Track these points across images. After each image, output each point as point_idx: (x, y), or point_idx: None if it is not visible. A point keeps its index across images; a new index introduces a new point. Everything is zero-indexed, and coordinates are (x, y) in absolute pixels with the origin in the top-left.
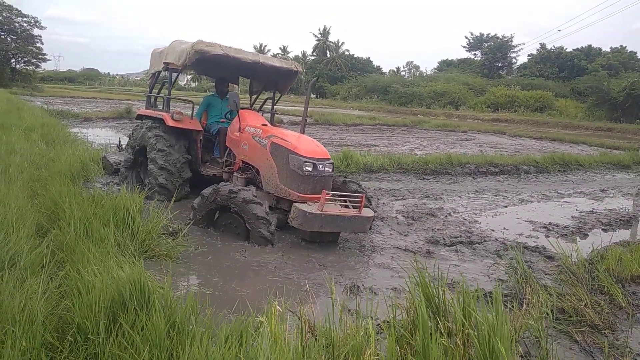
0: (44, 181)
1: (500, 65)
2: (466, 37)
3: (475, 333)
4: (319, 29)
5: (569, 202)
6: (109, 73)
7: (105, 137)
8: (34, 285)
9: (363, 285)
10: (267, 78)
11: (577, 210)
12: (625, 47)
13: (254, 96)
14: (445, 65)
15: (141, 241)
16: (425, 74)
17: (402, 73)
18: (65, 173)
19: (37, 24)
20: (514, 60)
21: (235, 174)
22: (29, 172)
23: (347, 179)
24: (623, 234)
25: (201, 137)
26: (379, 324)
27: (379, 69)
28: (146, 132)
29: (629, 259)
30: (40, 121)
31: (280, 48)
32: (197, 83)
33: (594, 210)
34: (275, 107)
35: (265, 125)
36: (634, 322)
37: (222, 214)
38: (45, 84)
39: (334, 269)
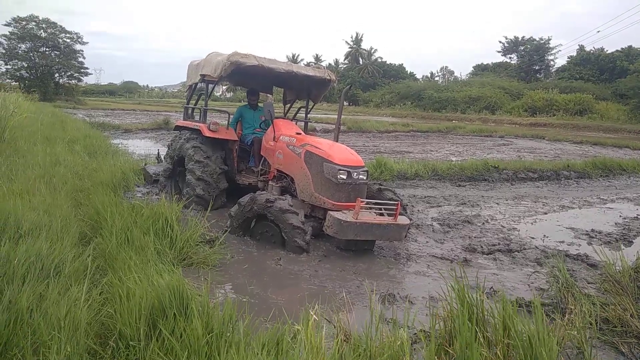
0: (87, 191)
1: (537, 68)
2: (500, 42)
3: (517, 343)
4: (351, 37)
5: (612, 208)
6: (147, 85)
7: (145, 147)
8: (77, 293)
9: (399, 294)
10: (300, 87)
11: (620, 216)
12: None
13: (288, 105)
14: (480, 69)
15: (179, 249)
16: (459, 79)
17: (436, 79)
18: (107, 183)
19: (79, 39)
20: (551, 62)
21: (270, 182)
22: (72, 182)
23: (382, 187)
24: None
25: (237, 147)
26: (415, 334)
27: (412, 75)
28: (184, 143)
29: None
30: (83, 133)
31: (313, 57)
32: (232, 93)
33: (639, 217)
34: (308, 115)
35: (300, 134)
36: None
37: (259, 223)
38: (87, 97)
39: (369, 277)
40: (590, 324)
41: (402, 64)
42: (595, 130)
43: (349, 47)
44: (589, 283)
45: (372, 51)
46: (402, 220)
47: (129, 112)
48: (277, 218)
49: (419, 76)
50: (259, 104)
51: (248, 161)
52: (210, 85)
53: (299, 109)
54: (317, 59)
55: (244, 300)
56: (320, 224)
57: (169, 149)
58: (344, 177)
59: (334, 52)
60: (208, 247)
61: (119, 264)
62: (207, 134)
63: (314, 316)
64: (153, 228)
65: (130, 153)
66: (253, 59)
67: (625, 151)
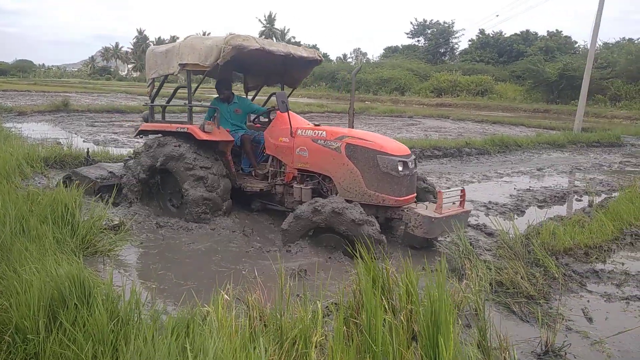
0: None
1: (443, 51)
2: (411, 23)
3: (419, 309)
4: (265, 15)
5: (507, 182)
6: (43, 64)
7: (42, 131)
8: None
9: (310, 269)
10: (282, 71)
11: (515, 188)
12: (561, 31)
13: (253, 92)
14: (390, 51)
15: (82, 237)
16: (371, 61)
17: (349, 60)
18: None
19: None
20: (455, 46)
21: (295, 185)
22: None
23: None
24: (557, 210)
25: (230, 149)
26: (327, 307)
27: (326, 56)
28: (170, 152)
29: (562, 233)
30: None
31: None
32: (139, 73)
33: (531, 188)
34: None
35: (318, 125)
36: (565, 291)
37: (319, 234)
38: None
39: (281, 257)
40: (485, 287)
41: (316, 45)
42: (495, 110)
43: (263, 27)
44: (486, 250)
45: (286, 31)
46: (467, 207)
47: (22, 93)
48: (349, 230)
49: (332, 57)
50: (250, 95)
51: (240, 164)
52: (196, 76)
53: (271, 95)
54: None
55: (153, 286)
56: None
57: (133, 157)
58: (401, 168)
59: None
60: (113, 234)
61: (14, 255)
62: (204, 137)
63: (226, 296)
64: (52, 216)
65: (24, 137)
66: (254, 41)
67: (520, 129)
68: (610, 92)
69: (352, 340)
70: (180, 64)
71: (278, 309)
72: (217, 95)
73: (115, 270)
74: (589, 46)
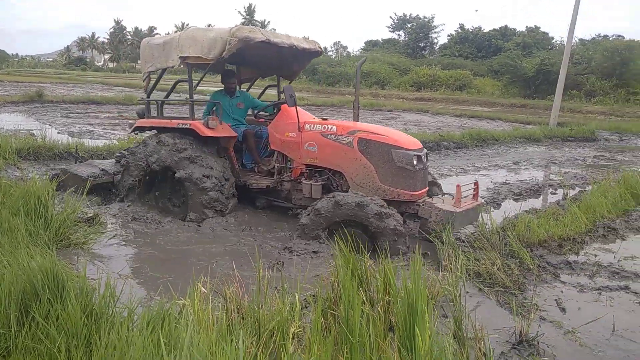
0: None
1: (422, 45)
2: (391, 17)
3: (396, 300)
4: (244, 7)
5: (485, 175)
6: (17, 54)
7: (15, 122)
8: None
9: (288, 261)
10: (282, 64)
11: (491, 182)
12: (539, 27)
13: (247, 85)
14: (371, 45)
15: (55, 230)
16: (352, 54)
17: (330, 53)
18: None
19: None
20: (435, 40)
21: (304, 181)
22: None
23: None
24: (533, 203)
25: (232, 144)
26: (305, 299)
27: None
28: (172, 151)
29: (536, 226)
30: None
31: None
32: (115, 63)
33: (507, 182)
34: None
35: (326, 119)
36: (539, 282)
37: (337, 229)
38: None
39: (259, 249)
40: (462, 277)
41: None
42: (473, 104)
43: (242, 18)
44: (464, 242)
45: (266, 23)
46: (479, 200)
47: None
48: (373, 224)
49: None
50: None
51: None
52: (200, 71)
53: (266, 87)
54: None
55: (128, 279)
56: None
57: (128, 156)
58: (416, 162)
59: (227, 23)
60: (87, 227)
61: None
62: (209, 133)
63: (202, 289)
64: (24, 208)
65: None
66: (259, 33)
67: (498, 123)
68: (586, 88)
69: (330, 332)
70: (180, 57)
71: (256, 301)
72: (220, 89)
73: (89, 263)
74: (565, 42)
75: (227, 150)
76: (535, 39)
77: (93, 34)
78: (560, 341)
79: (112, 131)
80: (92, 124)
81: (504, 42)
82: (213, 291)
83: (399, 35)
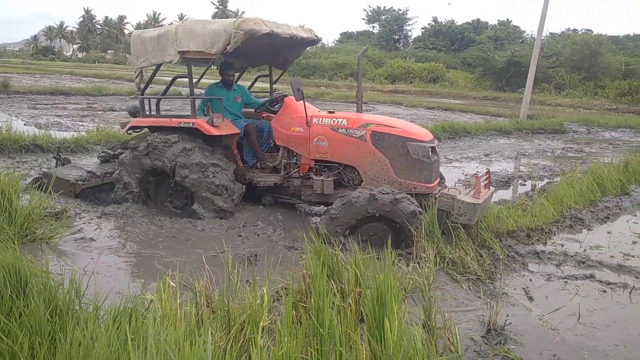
0: None
1: (397, 38)
2: (365, 10)
3: (366, 292)
4: None
5: (457, 167)
6: None
7: None
8: None
9: (260, 254)
10: (277, 54)
11: (463, 173)
12: (511, 21)
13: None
14: (345, 37)
15: (20, 224)
16: (327, 46)
17: None
18: None
19: None
20: (409, 33)
21: (314, 177)
22: None
23: None
24: (502, 194)
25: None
26: (277, 292)
27: None
28: (178, 153)
29: (505, 216)
30: None
31: (177, 16)
32: (85, 53)
33: (478, 173)
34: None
35: (333, 112)
36: (509, 271)
37: (365, 225)
38: None
39: (230, 243)
40: (433, 268)
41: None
42: (446, 97)
43: (215, 8)
44: (443, 234)
45: (240, 13)
46: (491, 189)
47: None
48: (407, 220)
49: None
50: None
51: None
52: (197, 65)
53: (257, 78)
54: (182, 19)
55: (95, 274)
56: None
57: (125, 158)
58: (431, 154)
59: (200, 13)
60: (54, 221)
61: None
62: (215, 132)
63: (171, 283)
64: None
65: None
66: (263, 24)
67: (470, 116)
68: (555, 81)
69: (301, 324)
70: (179, 52)
71: (225, 294)
72: (215, 82)
73: (56, 259)
74: (535, 36)
75: (230, 148)
76: (507, 32)
77: (61, 23)
78: (528, 329)
79: (80, 123)
80: (60, 116)
81: (477, 35)
82: (183, 285)
83: (373, 27)
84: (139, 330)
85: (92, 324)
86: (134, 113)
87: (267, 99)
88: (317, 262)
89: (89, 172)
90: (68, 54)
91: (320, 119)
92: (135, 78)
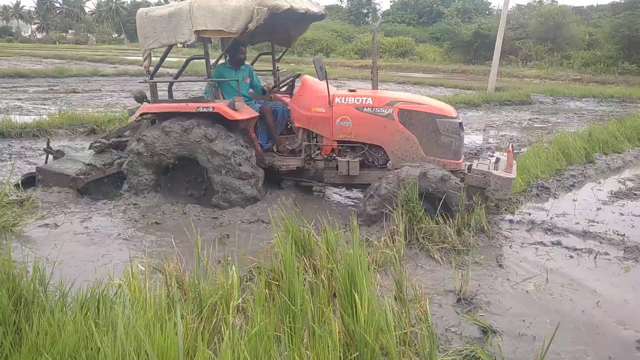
0: None
1: (365, 12)
2: None
3: (337, 267)
4: None
5: None
6: None
7: None
8: None
9: (231, 234)
10: (272, 28)
11: None
12: None
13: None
14: None
15: None
16: None
17: None
18: None
19: None
20: (378, 7)
21: (339, 159)
22: None
23: None
24: None
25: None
26: (250, 271)
27: None
28: (200, 138)
29: None
30: None
31: None
32: (44, 34)
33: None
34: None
35: (354, 91)
36: (479, 241)
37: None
38: None
39: (200, 224)
40: (402, 242)
41: None
42: (416, 71)
43: None
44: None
45: None
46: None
47: None
48: (453, 197)
49: None
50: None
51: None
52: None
53: (259, 55)
54: None
55: (61, 262)
56: None
57: (136, 147)
58: (458, 129)
59: None
60: (18, 209)
61: None
62: (237, 116)
63: (140, 267)
64: None
65: None
66: (284, 0)
67: (440, 89)
68: (522, 53)
69: (274, 302)
70: (196, 31)
71: (196, 275)
72: (222, 62)
73: (21, 247)
74: (502, 7)
75: (247, 132)
76: (475, 4)
77: (18, 2)
78: (499, 297)
79: (42, 106)
80: (20, 99)
81: (445, 8)
82: (152, 268)
83: (341, 1)
84: (108, 316)
85: (59, 312)
86: (140, 98)
87: (281, 79)
88: (288, 239)
89: (88, 164)
90: (26, 34)
91: (343, 98)
92: (144, 61)
